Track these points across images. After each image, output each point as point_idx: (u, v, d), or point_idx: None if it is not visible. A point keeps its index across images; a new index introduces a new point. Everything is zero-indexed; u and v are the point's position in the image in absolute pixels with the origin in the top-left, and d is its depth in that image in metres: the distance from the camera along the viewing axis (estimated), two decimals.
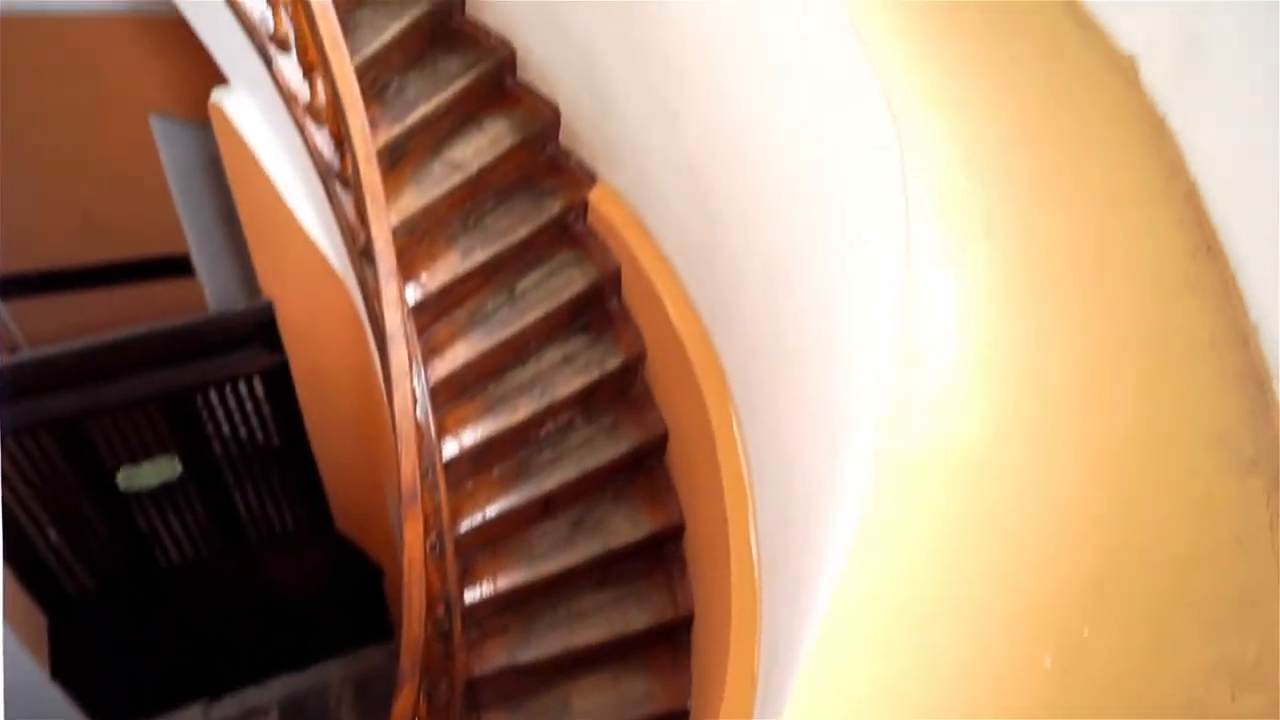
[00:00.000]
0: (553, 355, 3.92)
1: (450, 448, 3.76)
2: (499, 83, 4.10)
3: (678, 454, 3.86)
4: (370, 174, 3.16)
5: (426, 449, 3.48)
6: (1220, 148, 1.76)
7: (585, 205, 4.00)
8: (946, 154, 1.72)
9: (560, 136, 4.11)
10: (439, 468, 3.57)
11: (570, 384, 3.83)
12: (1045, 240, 1.65)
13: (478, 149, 3.98)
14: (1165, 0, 1.91)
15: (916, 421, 1.52)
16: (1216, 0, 1.77)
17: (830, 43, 2.09)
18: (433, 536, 3.32)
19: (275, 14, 3.43)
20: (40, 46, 5.05)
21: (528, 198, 4.01)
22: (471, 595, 3.69)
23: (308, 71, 3.45)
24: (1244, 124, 1.71)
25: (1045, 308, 1.60)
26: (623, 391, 3.93)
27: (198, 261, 5.85)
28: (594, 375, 3.83)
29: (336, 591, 6.31)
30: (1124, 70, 1.99)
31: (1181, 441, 1.42)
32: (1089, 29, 2.08)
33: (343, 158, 3.48)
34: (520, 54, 4.09)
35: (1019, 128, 1.81)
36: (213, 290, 5.90)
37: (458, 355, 3.82)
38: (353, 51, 3.70)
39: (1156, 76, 1.94)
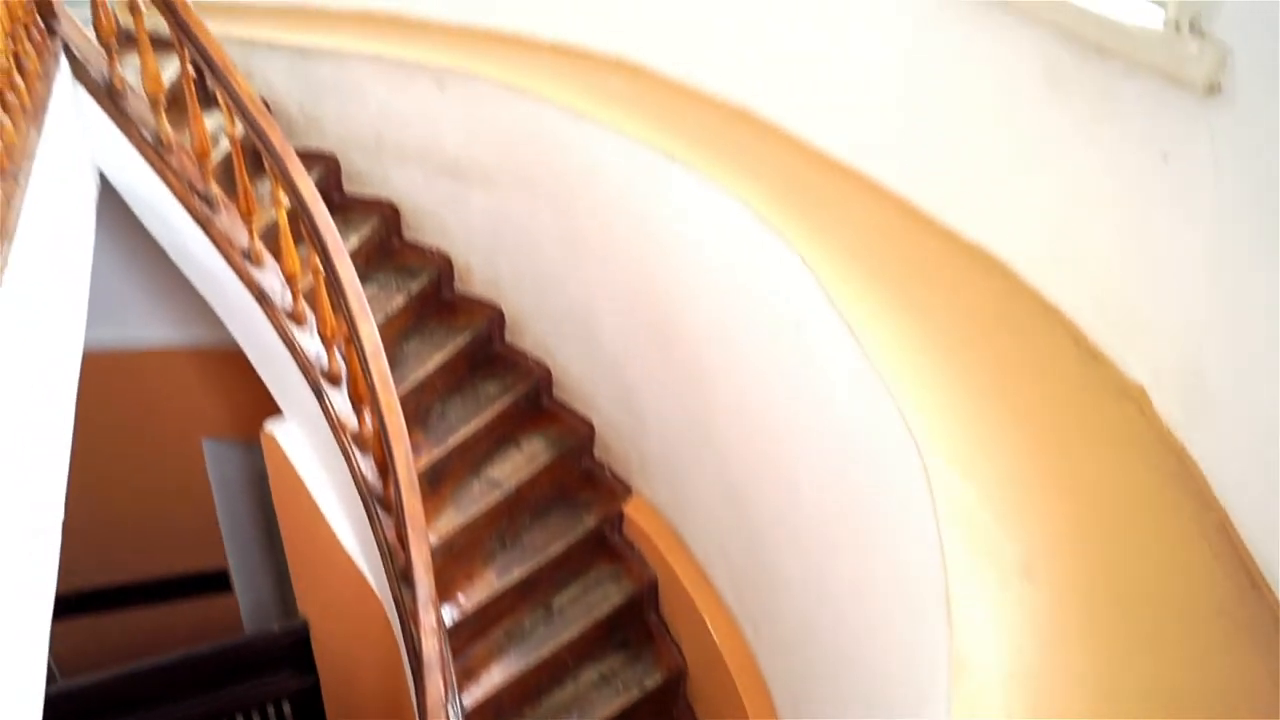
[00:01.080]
0: (590, 675, 3.81)
1: None
2: (535, 402, 4.31)
3: None
4: (412, 502, 3.25)
5: None
6: (1245, 479, 1.79)
7: (621, 517, 4.06)
8: (975, 499, 1.76)
9: (595, 450, 4.25)
10: None
11: (609, 706, 3.70)
12: (1084, 582, 1.66)
13: (515, 466, 4.10)
14: (1165, 333, 2.03)
15: None
16: (1212, 330, 1.88)
17: (855, 385, 2.21)
18: None
19: (329, 353, 3.68)
20: (104, 378, 5.39)
21: (564, 512, 4.08)
22: None
23: (357, 404, 3.65)
24: (1263, 454, 1.75)
25: (1093, 655, 1.57)
26: (664, 712, 3.77)
27: (236, 577, 5.87)
28: (633, 696, 3.70)
29: None
30: (1136, 400, 2.07)
31: None
32: (1097, 360, 2.19)
33: (386, 484, 3.59)
34: (556, 375, 4.33)
35: (1042, 467, 1.87)
36: (248, 606, 5.88)
37: (494, 678, 3.73)
38: (399, 380, 3.93)
39: (1169, 406, 2.01)
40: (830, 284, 2.42)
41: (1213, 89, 1.77)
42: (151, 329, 5.36)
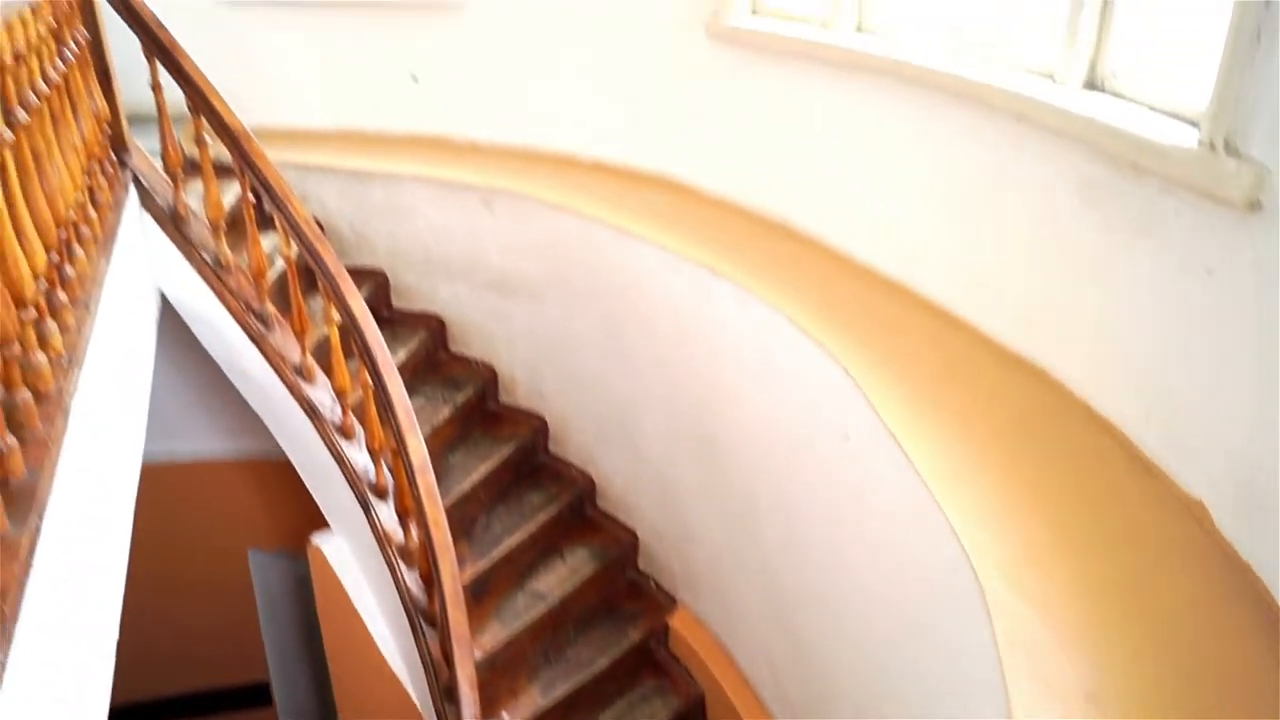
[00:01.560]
0: None
1: None
2: (579, 512, 4.30)
3: None
4: (458, 617, 3.23)
5: None
6: None
7: (667, 630, 3.99)
8: (1035, 620, 1.73)
9: (640, 561, 4.22)
10: None
11: None
12: (1153, 709, 1.60)
13: (559, 578, 4.08)
14: (1219, 446, 2.00)
15: None
16: (1268, 442, 1.85)
17: (904, 499, 2.19)
18: None
19: (377, 466, 3.72)
20: (154, 489, 5.46)
21: (608, 625, 4.02)
22: None
23: (403, 516, 3.67)
24: None
25: None
26: None
27: (277, 690, 5.82)
28: None
29: None
30: (1195, 514, 2.03)
31: None
32: (1151, 474, 2.16)
33: (431, 598, 3.58)
34: (599, 484, 4.33)
35: (1103, 586, 1.83)
36: None
37: None
38: (444, 491, 3.95)
39: (1230, 520, 1.97)
40: (876, 397, 2.43)
41: (1253, 206, 1.79)
42: (202, 441, 5.46)
